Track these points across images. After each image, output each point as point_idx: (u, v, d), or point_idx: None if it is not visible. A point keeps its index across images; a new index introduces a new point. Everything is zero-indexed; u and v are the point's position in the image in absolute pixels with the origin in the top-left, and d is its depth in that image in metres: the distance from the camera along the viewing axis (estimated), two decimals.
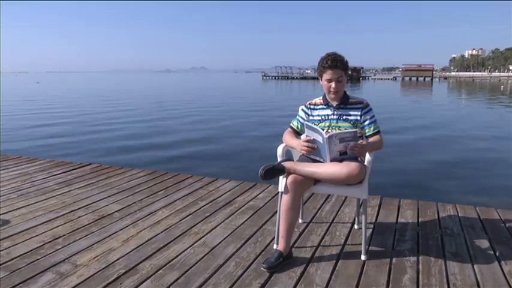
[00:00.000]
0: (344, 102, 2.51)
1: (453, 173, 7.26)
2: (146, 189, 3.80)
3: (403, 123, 13.96)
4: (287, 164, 2.38)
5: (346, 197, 3.48)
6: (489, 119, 16.58)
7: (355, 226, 2.88)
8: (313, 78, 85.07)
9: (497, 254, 2.45)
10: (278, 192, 2.47)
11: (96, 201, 3.42)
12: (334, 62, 2.39)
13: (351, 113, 2.50)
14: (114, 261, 2.34)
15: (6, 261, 2.33)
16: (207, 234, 2.75)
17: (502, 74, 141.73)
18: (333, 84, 2.43)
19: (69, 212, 3.16)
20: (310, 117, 2.58)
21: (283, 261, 2.29)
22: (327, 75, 2.43)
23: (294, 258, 2.37)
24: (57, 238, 2.67)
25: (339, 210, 3.21)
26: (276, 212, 2.61)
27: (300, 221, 2.94)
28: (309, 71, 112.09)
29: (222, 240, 2.65)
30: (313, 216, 3.08)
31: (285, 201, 2.33)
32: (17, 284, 2.09)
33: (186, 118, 15.81)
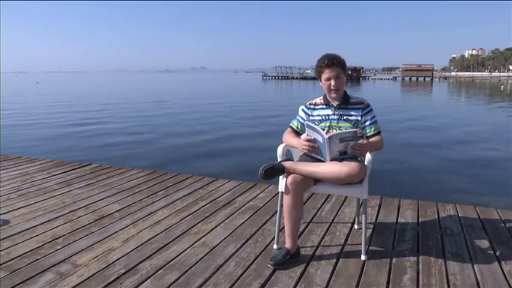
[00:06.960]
0: (345, 102, 2.50)
1: (453, 173, 7.26)
2: (146, 189, 3.80)
3: (403, 123, 13.96)
4: (287, 164, 2.38)
5: (346, 197, 3.48)
6: (489, 118, 16.58)
7: (355, 226, 2.88)
8: (313, 78, 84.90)
9: (497, 254, 2.45)
10: (278, 192, 2.47)
11: (96, 201, 3.42)
12: (331, 61, 2.41)
13: (352, 113, 2.49)
14: (114, 261, 2.34)
15: (6, 261, 2.33)
16: (207, 234, 2.75)
17: (502, 74, 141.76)
18: (332, 82, 2.42)
19: (69, 212, 3.16)
20: (311, 117, 2.57)
21: (290, 259, 2.31)
22: (325, 74, 2.44)
23: (294, 258, 2.37)
24: (57, 238, 2.67)
25: (339, 210, 3.21)
26: (276, 212, 2.60)
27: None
28: (309, 71, 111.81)
29: (222, 240, 2.65)
30: (313, 216, 3.08)
31: (286, 201, 2.33)
32: (17, 284, 2.09)
33: (186, 118, 15.81)
